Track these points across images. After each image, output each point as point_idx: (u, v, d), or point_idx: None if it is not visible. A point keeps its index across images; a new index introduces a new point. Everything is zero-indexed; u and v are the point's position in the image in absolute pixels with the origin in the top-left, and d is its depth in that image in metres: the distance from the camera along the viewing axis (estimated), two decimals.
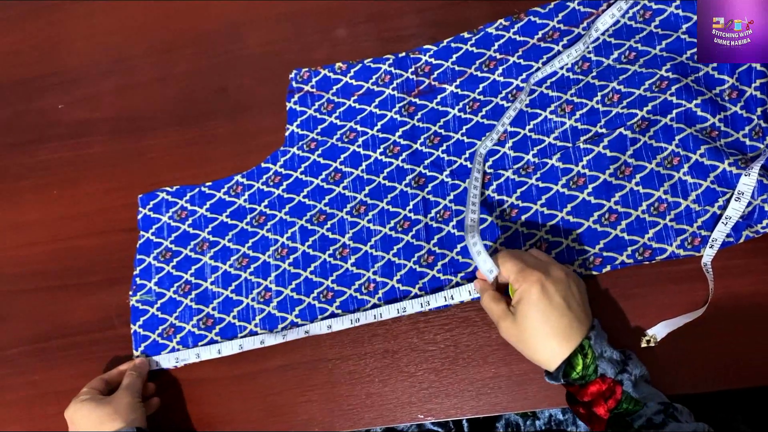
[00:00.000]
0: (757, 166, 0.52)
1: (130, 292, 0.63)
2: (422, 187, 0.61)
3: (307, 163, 0.64)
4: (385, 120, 0.64)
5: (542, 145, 0.60)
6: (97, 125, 0.69)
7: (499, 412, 0.56)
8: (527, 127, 0.60)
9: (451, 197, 0.60)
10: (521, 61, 0.62)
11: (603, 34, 0.61)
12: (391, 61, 0.65)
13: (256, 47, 0.69)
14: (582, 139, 0.59)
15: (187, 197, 0.65)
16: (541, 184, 0.59)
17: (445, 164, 0.61)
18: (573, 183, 0.58)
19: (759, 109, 0.56)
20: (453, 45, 0.64)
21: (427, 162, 0.62)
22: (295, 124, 0.65)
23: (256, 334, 0.60)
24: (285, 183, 0.64)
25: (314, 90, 0.66)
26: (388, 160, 0.62)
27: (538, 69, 0.62)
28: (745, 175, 0.53)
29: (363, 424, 0.57)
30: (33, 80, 0.72)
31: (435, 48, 0.64)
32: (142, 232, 0.64)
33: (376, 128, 0.63)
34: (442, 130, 0.62)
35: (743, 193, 0.53)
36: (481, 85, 0.63)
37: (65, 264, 0.65)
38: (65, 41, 0.73)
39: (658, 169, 0.56)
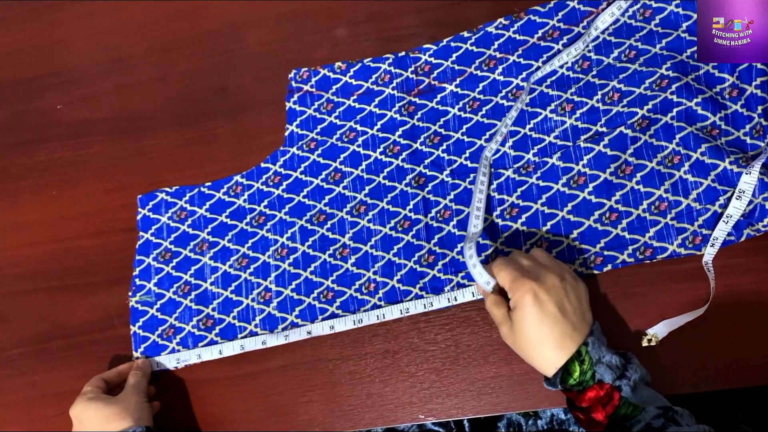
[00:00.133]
0: (758, 165, 0.52)
1: (130, 293, 0.63)
2: (422, 186, 0.61)
3: (306, 163, 0.64)
4: (385, 119, 0.63)
5: (542, 144, 0.59)
6: (97, 125, 0.69)
7: (500, 412, 0.56)
8: (527, 126, 0.60)
9: (452, 197, 0.60)
10: (521, 60, 0.62)
11: (603, 32, 0.61)
12: (390, 60, 0.65)
13: (256, 47, 0.69)
14: (582, 138, 0.59)
15: (187, 198, 0.65)
16: (541, 183, 0.58)
17: (445, 164, 0.61)
18: (573, 182, 0.58)
19: (760, 108, 0.56)
20: (453, 44, 0.64)
21: (427, 161, 0.61)
22: (294, 123, 0.65)
23: (256, 334, 0.60)
24: (285, 183, 0.63)
25: (314, 90, 0.66)
26: (388, 159, 0.62)
27: (538, 68, 0.62)
28: (746, 174, 0.52)
29: (364, 425, 0.57)
30: (33, 80, 0.72)
31: (435, 47, 0.64)
32: (141, 233, 0.64)
33: (375, 128, 0.63)
34: (442, 130, 0.62)
35: (744, 192, 0.53)
36: (481, 85, 0.63)
37: (65, 264, 0.65)
38: (65, 41, 0.73)
39: (659, 168, 0.56)
